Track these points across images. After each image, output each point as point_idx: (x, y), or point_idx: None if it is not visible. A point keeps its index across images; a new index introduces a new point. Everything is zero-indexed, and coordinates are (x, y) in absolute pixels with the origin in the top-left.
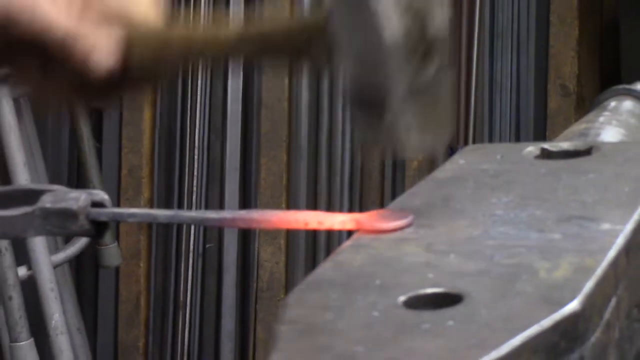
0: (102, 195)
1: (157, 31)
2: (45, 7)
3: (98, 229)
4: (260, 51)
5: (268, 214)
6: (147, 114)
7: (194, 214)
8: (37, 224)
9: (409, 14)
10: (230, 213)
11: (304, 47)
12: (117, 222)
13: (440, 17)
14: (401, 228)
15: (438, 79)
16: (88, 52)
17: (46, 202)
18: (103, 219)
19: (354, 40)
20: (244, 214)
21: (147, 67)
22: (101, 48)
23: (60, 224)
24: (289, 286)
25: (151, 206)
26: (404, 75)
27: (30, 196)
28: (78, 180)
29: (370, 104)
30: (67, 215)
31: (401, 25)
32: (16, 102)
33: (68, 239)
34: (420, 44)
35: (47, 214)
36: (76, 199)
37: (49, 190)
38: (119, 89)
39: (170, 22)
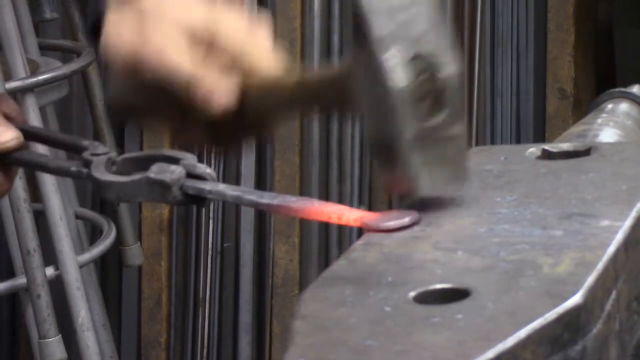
0: (203, 169)
1: (273, 78)
2: (171, 55)
3: (192, 200)
4: (309, 102)
5: (306, 202)
6: None
7: (253, 197)
8: (145, 191)
9: (416, 64)
10: (278, 200)
11: (335, 97)
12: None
13: (450, 66)
14: (409, 227)
15: (449, 125)
16: (208, 93)
17: (152, 171)
18: (191, 192)
19: (367, 90)
20: (292, 201)
21: (261, 111)
22: (220, 90)
23: (160, 194)
24: (302, 282)
25: (170, 207)
26: (412, 122)
27: (150, 163)
28: None
29: (384, 149)
30: (163, 186)
31: (406, 76)
32: (42, 110)
33: (93, 241)
34: (429, 92)
35: (151, 183)
36: (173, 171)
37: (175, 158)
38: (237, 131)
39: (286, 70)
